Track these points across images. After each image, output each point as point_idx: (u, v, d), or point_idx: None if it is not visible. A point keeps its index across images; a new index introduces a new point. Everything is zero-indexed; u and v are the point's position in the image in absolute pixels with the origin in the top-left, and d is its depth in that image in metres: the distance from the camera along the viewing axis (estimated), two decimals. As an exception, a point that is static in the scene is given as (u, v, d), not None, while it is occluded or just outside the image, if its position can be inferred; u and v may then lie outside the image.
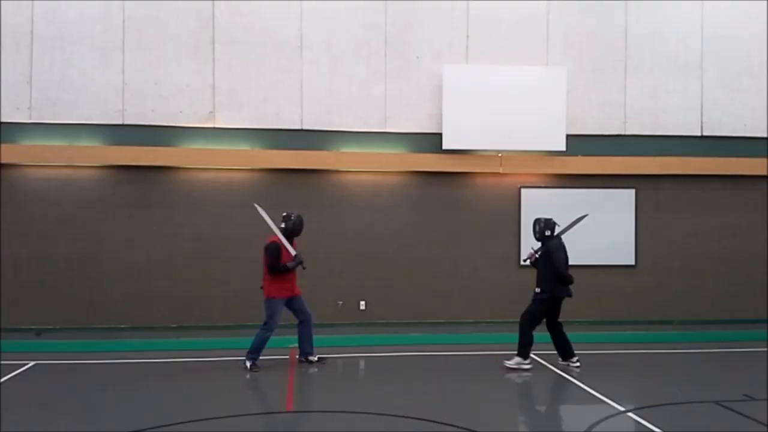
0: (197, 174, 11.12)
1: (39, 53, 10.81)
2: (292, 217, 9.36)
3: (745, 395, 7.86)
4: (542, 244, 9.39)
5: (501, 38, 11.54)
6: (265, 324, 9.20)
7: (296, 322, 9.53)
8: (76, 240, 10.86)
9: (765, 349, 10.48)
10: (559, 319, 9.38)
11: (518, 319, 9.40)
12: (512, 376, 9.02)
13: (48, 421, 7.05)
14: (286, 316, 9.49)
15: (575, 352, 9.36)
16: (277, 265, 9.09)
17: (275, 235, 9.24)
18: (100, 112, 10.91)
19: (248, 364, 9.12)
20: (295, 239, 9.43)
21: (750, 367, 9.46)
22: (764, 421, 6.90)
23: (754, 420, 6.97)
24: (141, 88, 10.96)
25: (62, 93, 10.84)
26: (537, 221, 9.50)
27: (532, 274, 11.57)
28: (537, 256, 9.41)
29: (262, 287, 9.29)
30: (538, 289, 9.28)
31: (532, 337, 9.23)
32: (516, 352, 9.25)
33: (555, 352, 9.50)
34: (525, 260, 9.66)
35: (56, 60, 10.84)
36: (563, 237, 9.50)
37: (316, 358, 9.52)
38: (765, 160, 11.75)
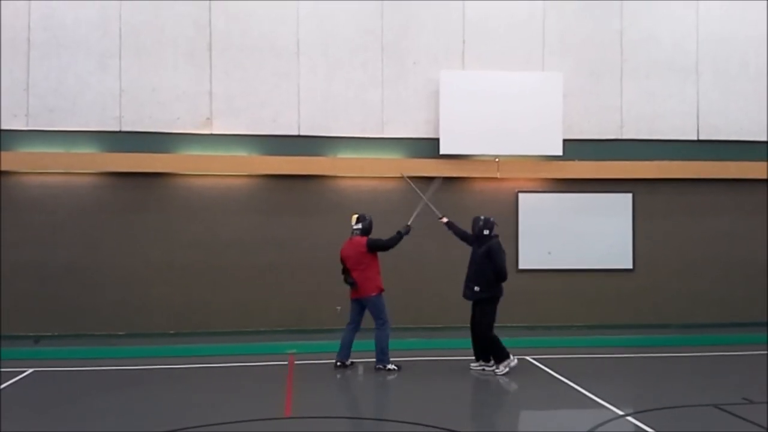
0: (195, 180, 11.12)
1: (36, 60, 10.82)
2: (367, 218, 9.73)
3: (744, 398, 7.87)
4: (479, 242, 9.37)
5: (497, 43, 11.58)
6: (381, 324, 9.47)
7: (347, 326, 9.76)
8: (73, 247, 10.85)
9: (763, 352, 10.49)
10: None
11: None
12: (511, 380, 9.01)
13: (46, 428, 7.02)
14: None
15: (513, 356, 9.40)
16: (392, 239, 9.55)
17: (358, 237, 9.56)
18: (97, 118, 10.91)
19: (389, 367, 9.40)
20: None
21: (748, 371, 9.46)
22: (763, 425, 6.90)
23: (754, 423, 6.98)
24: (138, 95, 10.97)
25: (59, 100, 10.85)
26: (477, 219, 9.49)
27: (532, 278, 11.63)
28: (446, 219, 9.68)
29: (354, 287, 9.48)
30: (477, 288, 9.23)
31: (498, 338, 9.22)
32: (496, 361, 9.23)
33: (546, 356, 9.57)
34: (441, 218, 9.78)
35: (53, 67, 10.85)
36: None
37: (349, 363, 9.72)
38: (761, 163, 11.79)
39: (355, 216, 9.75)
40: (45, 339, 10.71)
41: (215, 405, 7.76)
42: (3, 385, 8.57)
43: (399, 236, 9.63)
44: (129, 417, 7.35)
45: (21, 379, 8.99)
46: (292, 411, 7.67)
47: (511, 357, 9.20)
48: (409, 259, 11.37)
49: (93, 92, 10.91)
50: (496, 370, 9.18)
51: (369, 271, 9.50)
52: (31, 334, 10.71)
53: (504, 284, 9.29)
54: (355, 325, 9.69)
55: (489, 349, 9.24)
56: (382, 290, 9.55)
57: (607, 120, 11.76)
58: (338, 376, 9.35)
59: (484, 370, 9.35)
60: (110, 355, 10.30)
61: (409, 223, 9.75)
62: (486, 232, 9.35)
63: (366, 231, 9.67)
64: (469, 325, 9.49)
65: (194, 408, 7.66)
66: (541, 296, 11.57)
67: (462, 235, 9.69)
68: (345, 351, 9.64)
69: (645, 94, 11.82)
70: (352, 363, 9.69)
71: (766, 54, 11.95)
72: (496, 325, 9.28)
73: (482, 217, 9.48)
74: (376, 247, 9.54)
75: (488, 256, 9.18)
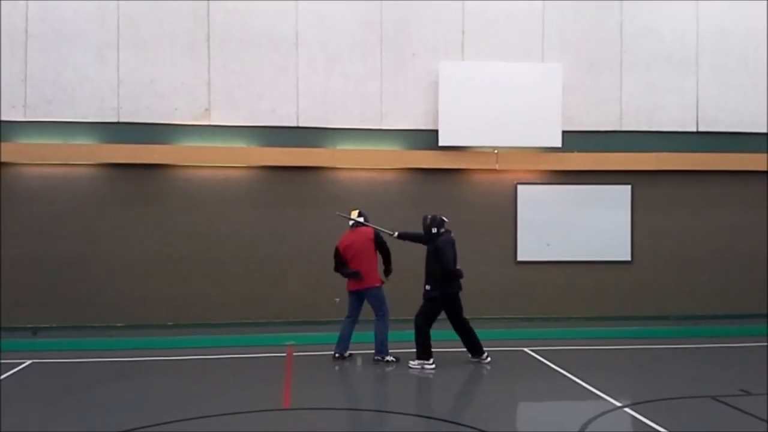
0: (193, 172, 11.11)
1: (34, 51, 10.79)
2: (363, 212, 9.83)
3: (742, 390, 7.89)
4: (431, 241, 9.29)
5: (497, 35, 11.54)
6: (382, 315, 9.50)
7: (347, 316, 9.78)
8: (72, 238, 10.84)
9: (762, 343, 10.52)
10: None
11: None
12: (510, 373, 9.03)
13: (45, 420, 7.04)
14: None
15: (485, 349, 9.48)
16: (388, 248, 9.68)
17: (363, 228, 9.61)
18: (95, 110, 10.89)
19: (387, 359, 9.40)
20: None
21: (746, 362, 9.49)
22: (760, 416, 6.92)
23: (751, 415, 7.00)
24: (136, 86, 10.94)
25: (57, 91, 10.82)
26: (425, 218, 9.42)
27: (530, 269, 11.65)
28: (397, 233, 9.61)
29: (359, 279, 9.44)
30: (428, 287, 9.22)
31: (429, 336, 9.22)
32: (417, 355, 9.21)
33: (545, 347, 9.63)
34: (392, 234, 9.69)
35: (51, 58, 10.82)
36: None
37: (348, 354, 9.74)
38: (761, 155, 11.78)
39: (356, 210, 9.81)
40: (43, 330, 10.72)
41: (214, 396, 7.78)
42: (1, 377, 8.58)
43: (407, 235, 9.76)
44: (127, 408, 7.35)
45: (19, 370, 9.00)
46: (290, 403, 7.68)
47: (431, 362, 9.14)
48: (407, 251, 11.36)
49: (91, 84, 10.88)
50: (411, 362, 9.20)
51: (372, 262, 9.53)
52: (29, 325, 10.72)
53: (463, 280, 9.23)
54: (354, 318, 9.71)
55: (416, 338, 9.19)
56: (382, 282, 9.62)
57: (606, 112, 11.74)
58: (337, 367, 9.37)
59: (479, 362, 9.37)
60: (109, 347, 10.32)
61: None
62: (434, 230, 9.26)
63: (361, 224, 9.73)
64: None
65: (193, 399, 7.68)
66: (540, 288, 11.58)
67: (416, 238, 9.54)
68: (344, 343, 9.66)
69: (644, 86, 11.80)
70: (351, 354, 9.71)
71: (765, 47, 11.93)
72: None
73: (429, 216, 9.41)
74: (382, 242, 9.61)
75: (435, 254, 9.14)
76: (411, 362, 9.22)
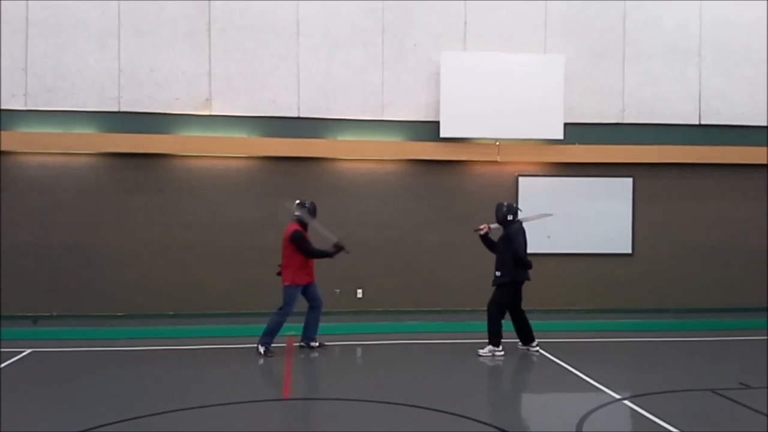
0: (193, 161, 11.09)
1: (34, 39, 10.75)
2: (306, 204, 9.44)
3: (741, 383, 7.89)
4: (503, 228, 9.41)
5: (499, 25, 11.49)
6: (281, 309, 9.28)
7: (306, 308, 9.60)
8: (72, 227, 10.84)
9: (762, 337, 10.50)
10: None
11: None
12: (509, 364, 9.03)
13: (44, 408, 7.04)
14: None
15: (536, 337, 9.57)
16: (315, 250, 9.20)
17: (293, 223, 9.28)
18: (95, 98, 10.86)
19: (261, 349, 9.20)
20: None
21: (746, 356, 9.48)
22: (759, 409, 6.92)
23: (750, 408, 7.00)
24: (137, 75, 10.91)
25: (58, 80, 10.79)
26: (500, 205, 9.50)
27: (531, 261, 11.60)
28: (489, 229, 9.50)
29: (279, 273, 9.30)
30: (498, 273, 9.33)
31: (501, 324, 9.30)
32: (487, 341, 9.30)
33: (544, 340, 9.67)
34: (476, 230, 9.65)
35: (51, 46, 10.78)
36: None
37: (317, 344, 9.60)
38: (763, 148, 11.74)
39: (297, 202, 9.45)
40: (44, 319, 10.73)
41: (213, 386, 7.78)
42: (1, 366, 8.59)
43: (324, 253, 9.24)
44: (127, 398, 7.36)
45: (19, 359, 9.01)
46: (290, 392, 7.69)
47: (500, 348, 9.27)
48: (409, 244, 11.37)
49: (91, 72, 10.85)
50: (480, 351, 9.26)
51: (285, 259, 9.23)
52: (29, 314, 10.73)
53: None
54: (312, 306, 9.59)
55: (489, 325, 9.29)
56: (295, 283, 9.23)
57: (608, 103, 11.71)
58: (335, 357, 9.36)
59: (528, 350, 9.47)
60: (109, 336, 10.32)
61: (338, 240, 9.34)
62: (509, 217, 9.39)
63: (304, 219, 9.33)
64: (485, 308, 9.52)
65: (192, 389, 7.68)
66: (540, 280, 11.46)
67: (490, 245, 9.62)
68: (309, 330, 9.59)
69: (647, 77, 11.76)
70: (321, 344, 9.64)
71: (768, 38, 11.90)
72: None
73: (505, 204, 9.51)
74: (298, 246, 9.17)
75: (507, 241, 9.25)
76: (481, 350, 9.26)
